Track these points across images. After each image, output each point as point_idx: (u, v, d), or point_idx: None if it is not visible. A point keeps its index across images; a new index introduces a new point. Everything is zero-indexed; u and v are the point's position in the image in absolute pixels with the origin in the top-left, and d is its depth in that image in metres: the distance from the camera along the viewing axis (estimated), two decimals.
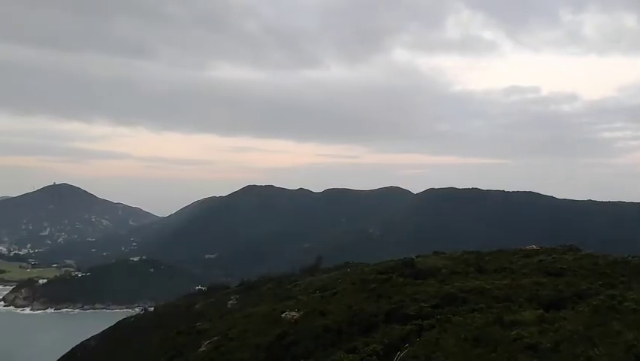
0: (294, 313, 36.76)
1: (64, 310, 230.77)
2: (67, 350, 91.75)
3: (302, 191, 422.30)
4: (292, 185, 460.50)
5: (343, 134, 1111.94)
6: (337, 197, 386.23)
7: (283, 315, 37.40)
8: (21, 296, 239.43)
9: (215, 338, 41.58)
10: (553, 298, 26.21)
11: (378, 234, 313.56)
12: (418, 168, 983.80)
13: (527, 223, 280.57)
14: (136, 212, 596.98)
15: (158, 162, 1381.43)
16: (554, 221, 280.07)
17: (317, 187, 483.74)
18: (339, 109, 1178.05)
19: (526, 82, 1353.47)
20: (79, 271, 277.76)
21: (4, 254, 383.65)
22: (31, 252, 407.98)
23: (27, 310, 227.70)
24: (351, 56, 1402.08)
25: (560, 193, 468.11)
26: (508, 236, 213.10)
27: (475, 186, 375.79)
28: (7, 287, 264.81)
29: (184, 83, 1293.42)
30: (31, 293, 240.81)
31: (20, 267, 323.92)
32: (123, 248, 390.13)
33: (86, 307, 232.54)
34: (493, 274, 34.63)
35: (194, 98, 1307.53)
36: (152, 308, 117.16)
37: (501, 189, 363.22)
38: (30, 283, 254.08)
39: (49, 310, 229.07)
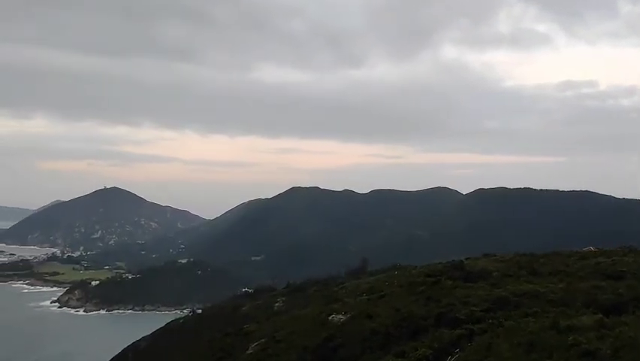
0: (340, 316, 36.82)
1: (116, 311, 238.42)
2: (119, 351, 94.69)
3: (347, 192, 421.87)
4: (337, 186, 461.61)
5: (388, 133, 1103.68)
6: (383, 198, 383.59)
7: (330, 318, 37.51)
8: (74, 298, 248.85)
9: (263, 339, 42.09)
10: (612, 303, 25.29)
11: (426, 236, 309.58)
12: (466, 167, 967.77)
13: (583, 224, 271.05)
14: (183, 215, 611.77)
15: (204, 164, 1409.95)
16: (613, 221, 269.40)
17: (362, 188, 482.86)
18: (385, 108, 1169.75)
19: (581, 76, 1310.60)
20: (129, 273, 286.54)
21: (59, 256, 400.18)
22: (83, 254, 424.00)
23: (80, 312, 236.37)
24: (397, 53, 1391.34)
25: (619, 192, 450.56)
26: (563, 238, 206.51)
27: (528, 186, 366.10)
28: (61, 288, 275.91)
29: (230, 85, 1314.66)
30: (84, 295, 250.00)
31: (73, 269, 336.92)
32: (171, 250, 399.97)
33: (136, 308, 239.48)
34: (548, 277, 33.67)
35: (240, 100, 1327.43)
36: (200, 310, 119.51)
37: (555, 189, 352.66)
38: (83, 284, 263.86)
39: (102, 312, 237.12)
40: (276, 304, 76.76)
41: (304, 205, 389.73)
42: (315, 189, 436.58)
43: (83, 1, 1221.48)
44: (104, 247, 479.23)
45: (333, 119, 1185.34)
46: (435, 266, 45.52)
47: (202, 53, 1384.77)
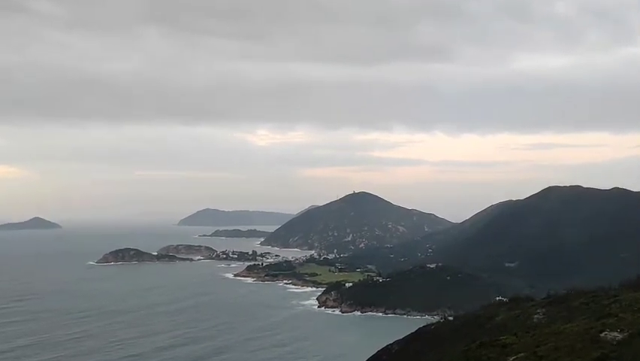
0: (616, 334, 33.38)
1: (369, 313, 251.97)
2: (374, 353, 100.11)
3: (617, 190, 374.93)
4: (605, 184, 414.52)
5: None
6: None
7: (602, 335, 34.29)
8: (331, 298, 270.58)
9: (522, 354, 40.30)
10: None
11: None
12: None
13: None
14: (430, 218, 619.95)
15: (452, 165, 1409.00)
16: None
17: (638, 185, 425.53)
18: None
19: None
20: (379, 276, 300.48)
21: (316, 258, 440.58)
22: (337, 257, 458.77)
23: (337, 312, 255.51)
24: None
25: None
26: None
27: None
28: (319, 289, 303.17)
29: (484, 80, 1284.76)
30: (339, 296, 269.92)
31: (329, 270, 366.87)
32: (419, 254, 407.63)
33: (387, 311, 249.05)
34: None
35: (494, 95, 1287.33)
36: (452, 317, 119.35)
37: None
38: (338, 286, 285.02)
39: (356, 313, 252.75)
40: (535, 316, 72.76)
41: (563, 206, 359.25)
42: (576, 188, 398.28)
43: (339, 13, 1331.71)
44: (355, 250, 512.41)
45: (605, 107, 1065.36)
46: None
47: (456, 49, 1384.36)
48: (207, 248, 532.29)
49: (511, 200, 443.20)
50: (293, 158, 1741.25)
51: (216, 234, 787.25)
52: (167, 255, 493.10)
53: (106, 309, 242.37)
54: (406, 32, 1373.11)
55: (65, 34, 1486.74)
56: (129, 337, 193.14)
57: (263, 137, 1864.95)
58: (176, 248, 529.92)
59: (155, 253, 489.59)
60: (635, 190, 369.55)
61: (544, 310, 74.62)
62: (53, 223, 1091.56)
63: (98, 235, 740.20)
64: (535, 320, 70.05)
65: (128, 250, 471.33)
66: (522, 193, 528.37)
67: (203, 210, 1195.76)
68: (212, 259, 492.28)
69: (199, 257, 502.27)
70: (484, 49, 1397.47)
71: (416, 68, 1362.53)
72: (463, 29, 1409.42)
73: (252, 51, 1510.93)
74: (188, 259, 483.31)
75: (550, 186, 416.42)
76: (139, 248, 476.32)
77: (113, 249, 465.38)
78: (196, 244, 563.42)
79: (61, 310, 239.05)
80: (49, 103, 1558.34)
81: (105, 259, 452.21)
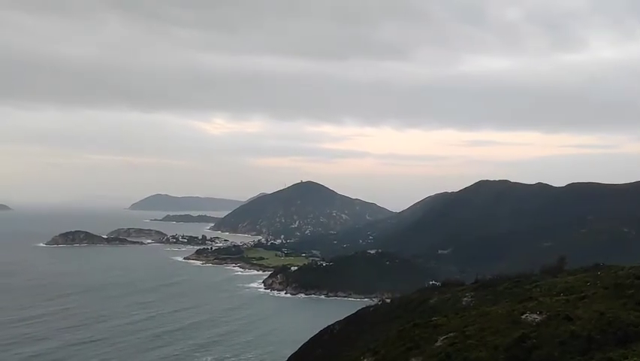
0: (535, 316, 34.60)
1: (313, 295, 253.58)
2: (317, 332, 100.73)
3: (540, 185, 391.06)
4: (529, 179, 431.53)
5: (602, 121, 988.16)
6: (583, 192, 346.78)
7: (523, 316, 35.47)
8: (277, 281, 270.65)
9: (451, 333, 41.27)
10: None
11: (635, 234, 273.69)
12: None
13: None
14: (372, 207, 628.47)
15: (394, 159, 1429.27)
16: None
17: (558, 181, 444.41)
18: (602, 94, 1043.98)
19: None
20: (323, 260, 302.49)
21: (263, 243, 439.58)
22: (284, 242, 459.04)
23: (282, 294, 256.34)
24: (624, 34, 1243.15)
25: None
26: None
27: None
28: (265, 272, 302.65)
29: (434, 79, 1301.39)
30: (285, 279, 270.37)
31: (276, 255, 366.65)
32: (361, 241, 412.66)
33: (330, 294, 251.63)
34: None
35: (442, 94, 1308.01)
36: (389, 299, 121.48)
37: None
38: (284, 269, 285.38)
39: (301, 295, 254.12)
40: (464, 299, 74.84)
41: (492, 199, 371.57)
42: (505, 183, 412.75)
43: (305, 8, 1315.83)
44: (301, 236, 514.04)
45: (539, 108, 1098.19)
46: None
47: (411, 49, 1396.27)
48: (157, 232, 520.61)
49: (447, 192, 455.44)
50: (246, 147, 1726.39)
51: (167, 218, 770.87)
52: (118, 238, 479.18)
53: None
54: (366, 30, 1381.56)
55: (23, 16, 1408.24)
56: None
57: (218, 126, 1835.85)
58: (127, 232, 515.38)
59: (106, 237, 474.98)
60: (555, 185, 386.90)
61: (472, 293, 76.84)
62: (3, 205, 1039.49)
63: (47, 217, 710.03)
64: (464, 303, 72.00)
65: (78, 232, 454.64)
66: (456, 186, 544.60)
67: (154, 195, 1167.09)
68: (163, 242, 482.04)
69: (149, 241, 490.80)
70: (437, 50, 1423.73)
71: (372, 64, 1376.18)
72: (420, 30, 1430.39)
73: (216, 41, 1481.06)
74: (138, 243, 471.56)
75: (481, 180, 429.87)
76: (89, 231, 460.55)
77: (63, 231, 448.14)
78: (146, 228, 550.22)
79: None
80: (1, 84, 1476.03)
81: (55, 241, 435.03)
